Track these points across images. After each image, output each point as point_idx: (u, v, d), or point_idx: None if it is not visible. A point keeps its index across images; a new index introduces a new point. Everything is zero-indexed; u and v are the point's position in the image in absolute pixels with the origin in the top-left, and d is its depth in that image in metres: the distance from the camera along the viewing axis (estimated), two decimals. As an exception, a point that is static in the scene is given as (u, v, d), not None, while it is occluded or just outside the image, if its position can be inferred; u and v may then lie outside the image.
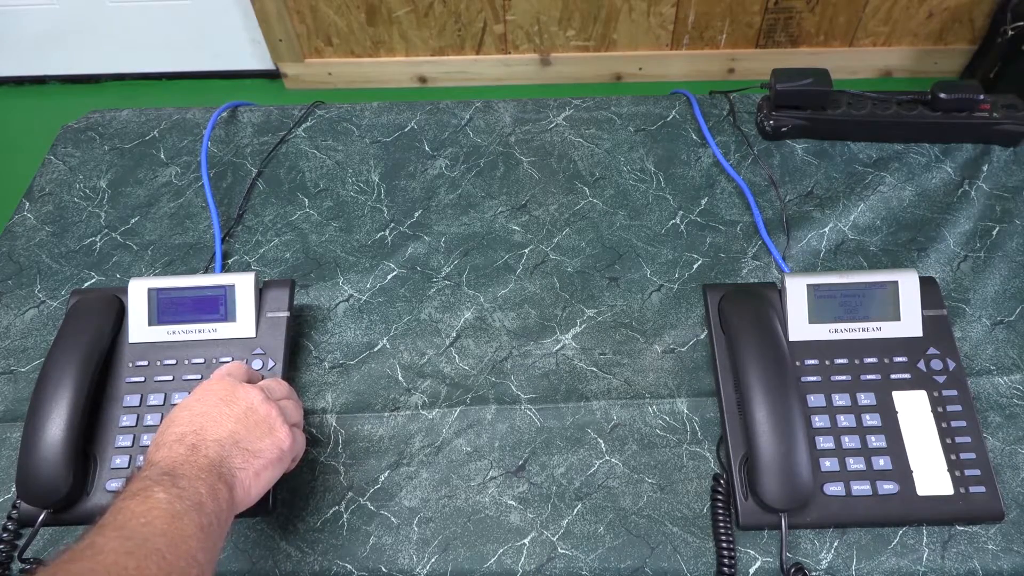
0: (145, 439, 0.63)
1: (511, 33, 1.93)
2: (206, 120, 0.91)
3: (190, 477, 0.47)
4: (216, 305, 0.67)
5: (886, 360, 0.64)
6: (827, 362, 0.64)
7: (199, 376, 0.66)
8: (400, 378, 0.70)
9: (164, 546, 0.42)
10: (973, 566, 0.58)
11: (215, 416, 0.52)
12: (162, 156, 0.88)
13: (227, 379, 0.55)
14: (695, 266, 0.77)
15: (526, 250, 0.79)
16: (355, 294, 0.76)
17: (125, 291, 0.68)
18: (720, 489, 0.61)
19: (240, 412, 0.53)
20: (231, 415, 0.52)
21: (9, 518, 0.61)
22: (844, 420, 0.62)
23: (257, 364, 0.66)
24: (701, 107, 0.89)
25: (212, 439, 0.50)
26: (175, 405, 0.54)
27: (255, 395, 0.55)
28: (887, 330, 0.65)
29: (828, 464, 0.60)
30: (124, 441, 0.63)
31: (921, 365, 0.64)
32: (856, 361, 0.64)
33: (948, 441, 0.61)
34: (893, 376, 0.64)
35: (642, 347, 0.71)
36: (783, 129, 0.85)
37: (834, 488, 0.59)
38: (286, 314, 0.68)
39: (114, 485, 0.61)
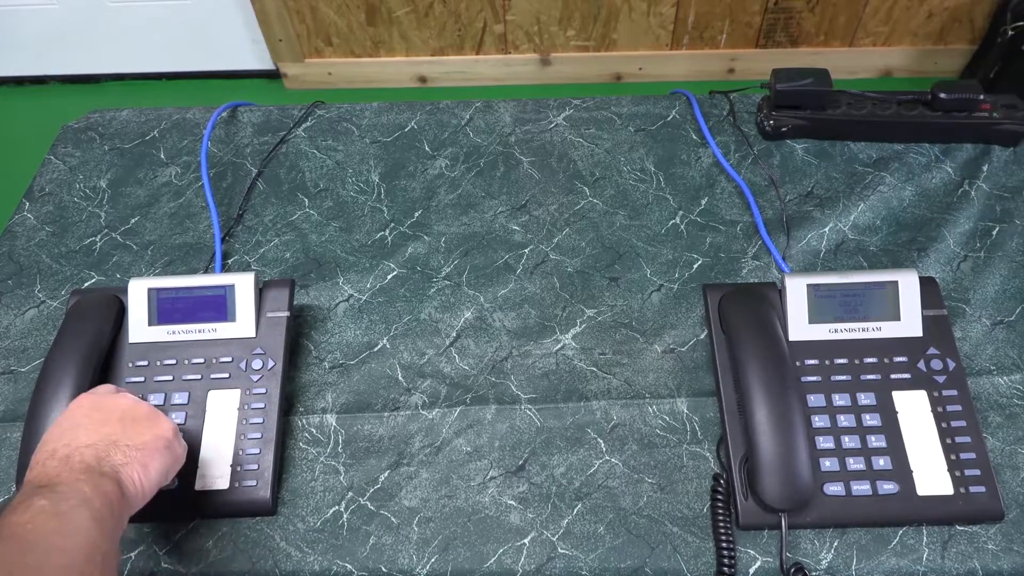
0: (145, 439, 0.63)
1: (511, 33, 1.93)
2: (206, 120, 0.91)
3: (69, 482, 0.46)
4: (216, 305, 0.67)
5: (886, 360, 0.64)
6: (827, 362, 0.64)
7: (199, 376, 0.66)
8: (400, 378, 0.70)
9: (60, 542, 0.42)
10: (973, 566, 0.58)
11: (85, 426, 0.52)
12: (162, 156, 0.88)
13: (92, 395, 0.55)
14: (695, 266, 0.77)
15: (526, 250, 0.79)
16: (355, 294, 0.76)
17: (125, 291, 0.68)
18: (720, 489, 0.61)
19: (115, 416, 0.53)
20: (104, 420, 0.52)
21: (9, 518, 0.61)
22: (844, 420, 0.62)
23: (257, 364, 0.66)
24: (701, 107, 0.89)
25: (84, 445, 0.50)
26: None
27: (127, 398, 0.55)
28: (887, 330, 0.65)
29: (828, 464, 0.60)
30: (124, 441, 0.63)
31: (921, 365, 0.64)
32: (856, 361, 0.64)
33: (948, 441, 0.61)
34: (893, 376, 0.64)
35: (642, 347, 0.71)
36: (783, 129, 0.85)
37: (834, 488, 0.59)
38: (286, 314, 0.68)
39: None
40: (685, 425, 0.66)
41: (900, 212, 0.80)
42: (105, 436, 0.51)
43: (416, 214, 0.82)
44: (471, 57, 1.99)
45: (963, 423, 0.62)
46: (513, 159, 0.87)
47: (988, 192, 0.81)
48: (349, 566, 0.60)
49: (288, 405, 0.68)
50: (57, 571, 0.42)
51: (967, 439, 0.61)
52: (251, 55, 2.04)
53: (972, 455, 0.60)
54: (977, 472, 0.60)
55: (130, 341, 0.67)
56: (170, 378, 0.66)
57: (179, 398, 0.65)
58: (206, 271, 0.78)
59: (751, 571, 0.59)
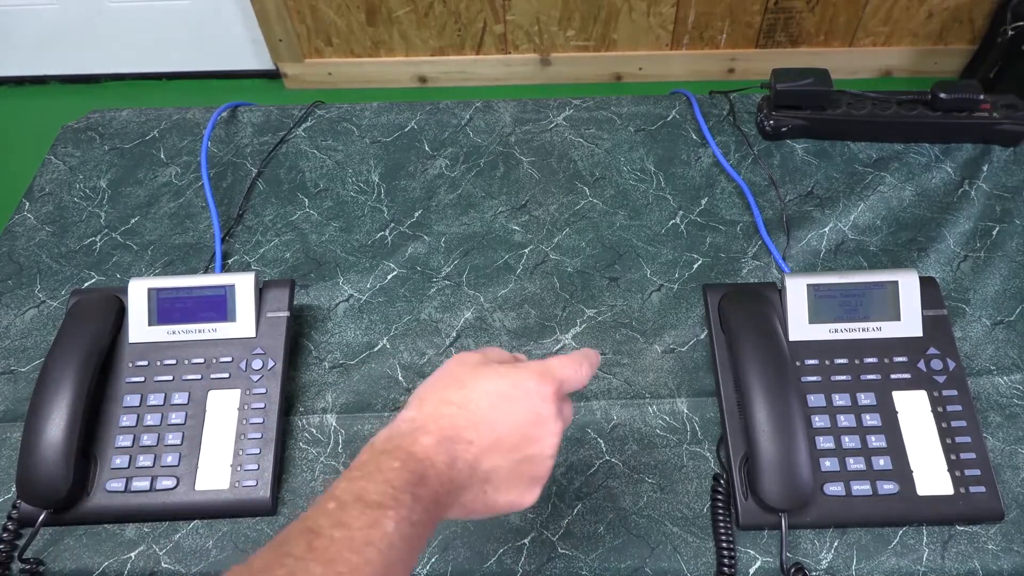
0: (145, 439, 0.63)
1: (511, 33, 1.93)
2: (206, 120, 0.91)
3: (426, 501, 0.37)
4: (216, 305, 0.67)
5: (886, 360, 0.64)
6: (827, 362, 0.64)
7: (199, 376, 0.66)
8: (400, 378, 0.70)
9: (360, 555, 0.34)
10: (973, 566, 0.58)
11: (497, 425, 0.42)
12: (162, 156, 0.88)
13: (547, 392, 0.43)
14: (695, 266, 0.77)
15: (526, 250, 0.79)
16: (355, 294, 0.76)
17: (125, 291, 0.68)
18: (720, 489, 0.61)
19: (515, 427, 0.42)
20: (511, 440, 0.42)
21: (9, 518, 0.61)
22: (844, 420, 0.62)
23: (257, 364, 0.66)
24: (701, 107, 0.89)
25: (471, 456, 0.41)
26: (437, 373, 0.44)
27: (554, 435, 0.44)
28: (887, 330, 0.65)
29: (828, 464, 0.60)
30: (124, 441, 0.63)
31: (921, 365, 0.64)
32: (856, 361, 0.64)
33: (948, 441, 0.61)
34: (893, 376, 0.64)
35: (642, 347, 0.71)
36: (783, 129, 0.85)
37: (834, 488, 0.59)
38: (286, 314, 0.68)
39: (114, 485, 0.61)
40: (685, 425, 0.66)
41: (900, 212, 0.80)
42: (494, 463, 0.41)
43: (416, 214, 0.82)
44: (471, 57, 1.99)
45: (963, 423, 0.62)
46: (513, 159, 0.87)
47: (988, 192, 0.81)
48: (349, 566, 0.60)
49: (288, 405, 0.68)
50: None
51: (967, 439, 0.61)
52: (251, 55, 2.04)
53: (972, 455, 0.60)
54: (977, 472, 0.60)
55: (130, 341, 0.67)
56: (170, 378, 0.66)
57: (179, 398, 0.65)
58: (206, 271, 0.78)
59: (751, 571, 0.59)
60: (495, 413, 0.42)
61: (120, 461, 0.62)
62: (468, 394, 0.42)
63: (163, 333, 0.67)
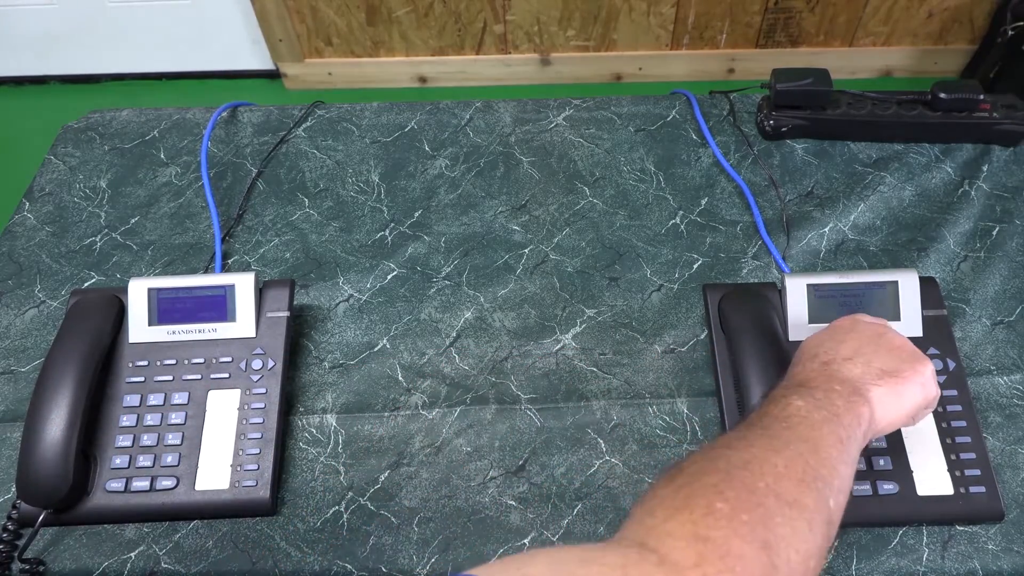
0: (145, 439, 0.63)
1: (511, 33, 1.93)
2: (206, 120, 0.91)
3: (825, 389, 0.48)
4: (216, 305, 0.67)
5: (886, 360, 0.64)
6: (827, 362, 0.64)
7: (199, 376, 0.66)
8: (400, 378, 0.70)
9: (806, 451, 0.43)
10: (973, 566, 0.58)
11: (841, 338, 0.54)
12: (162, 156, 0.88)
13: (853, 318, 0.57)
14: (695, 266, 0.77)
15: (526, 250, 0.79)
16: (355, 294, 0.76)
17: (125, 291, 0.68)
18: (720, 489, 0.60)
19: (868, 337, 0.54)
20: (858, 337, 0.54)
21: (9, 518, 0.61)
22: (844, 420, 0.62)
23: (257, 364, 0.66)
24: (701, 107, 0.89)
25: (842, 357, 0.52)
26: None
27: (884, 327, 0.55)
28: (887, 330, 0.65)
29: (828, 464, 0.60)
30: (124, 441, 0.63)
31: (921, 365, 0.64)
32: (856, 361, 0.64)
33: (948, 441, 0.61)
34: (893, 376, 0.63)
35: (642, 347, 0.71)
36: (783, 129, 0.85)
37: (834, 488, 0.59)
38: (286, 314, 0.68)
39: (114, 485, 0.61)
40: (685, 425, 0.66)
41: (900, 212, 0.80)
42: (857, 351, 0.52)
43: (416, 214, 0.82)
44: (471, 57, 1.99)
45: (963, 423, 0.62)
46: (513, 159, 0.87)
47: (988, 192, 0.81)
48: (349, 566, 0.60)
49: (288, 405, 0.68)
50: (775, 474, 0.41)
51: (967, 439, 0.61)
52: (251, 55, 2.04)
53: (972, 455, 0.60)
54: (977, 472, 0.60)
55: (130, 341, 0.67)
56: (170, 378, 0.66)
57: (179, 398, 0.65)
58: (206, 271, 0.78)
59: (751, 571, 0.58)
60: (836, 333, 0.55)
61: (120, 461, 0.62)
62: (807, 342, 0.55)
63: (163, 333, 0.67)
